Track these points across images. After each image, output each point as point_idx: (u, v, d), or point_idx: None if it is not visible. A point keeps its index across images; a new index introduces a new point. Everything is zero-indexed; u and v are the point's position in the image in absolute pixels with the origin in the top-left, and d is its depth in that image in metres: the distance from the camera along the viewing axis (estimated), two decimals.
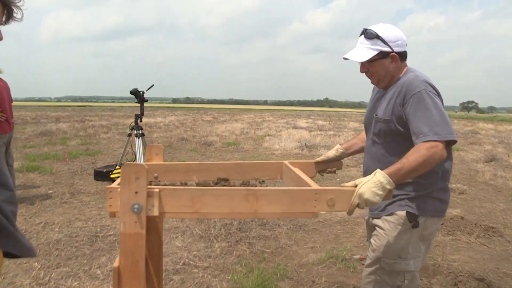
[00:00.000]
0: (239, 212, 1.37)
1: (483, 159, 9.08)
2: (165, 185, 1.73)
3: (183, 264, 3.14)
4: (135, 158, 6.00)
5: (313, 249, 3.59)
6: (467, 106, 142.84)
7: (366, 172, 1.94)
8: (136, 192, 1.28)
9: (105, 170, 6.15)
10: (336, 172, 2.13)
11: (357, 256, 3.38)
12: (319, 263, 3.26)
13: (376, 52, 1.73)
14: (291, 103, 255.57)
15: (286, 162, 1.96)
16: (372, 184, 1.45)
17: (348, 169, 7.36)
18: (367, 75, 1.84)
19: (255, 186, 1.77)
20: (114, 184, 1.40)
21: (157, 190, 1.31)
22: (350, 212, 1.45)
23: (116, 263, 1.32)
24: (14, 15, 1.29)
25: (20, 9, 1.29)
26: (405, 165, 1.52)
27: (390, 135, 1.76)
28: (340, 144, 2.11)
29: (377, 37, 1.72)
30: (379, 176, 1.47)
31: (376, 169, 1.79)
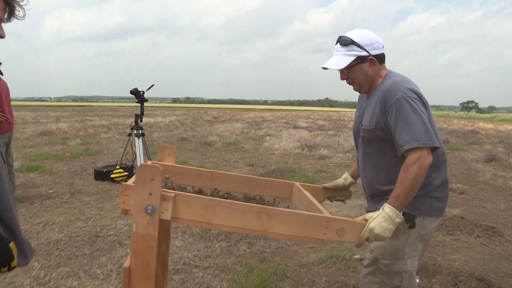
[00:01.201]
0: (249, 229, 1.38)
1: (483, 159, 9.07)
2: (173, 188, 1.75)
3: (183, 264, 3.14)
4: (135, 158, 6.00)
5: (313, 249, 3.59)
6: (467, 106, 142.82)
7: (363, 182, 1.94)
8: (150, 194, 1.28)
9: (105, 170, 6.15)
10: (345, 202, 2.13)
11: (357, 256, 3.38)
12: (319, 263, 3.26)
13: (353, 58, 1.73)
14: (291, 103, 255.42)
15: (297, 183, 1.98)
16: (382, 219, 1.48)
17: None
18: (348, 82, 1.83)
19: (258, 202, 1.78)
20: (130, 182, 1.40)
21: (173, 194, 1.31)
22: (359, 245, 1.47)
23: (127, 263, 1.32)
24: (16, 13, 1.28)
25: (22, 8, 1.29)
26: (401, 191, 1.54)
27: (378, 143, 1.77)
28: (347, 172, 2.10)
29: (352, 42, 1.73)
30: (388, 210, 1.50)
31: (370, 179, 1.80)
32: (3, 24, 1.30)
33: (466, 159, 9.40)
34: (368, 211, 1.91)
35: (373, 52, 1.74)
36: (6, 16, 1.28)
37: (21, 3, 1.30)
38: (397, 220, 1.50)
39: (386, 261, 1.76)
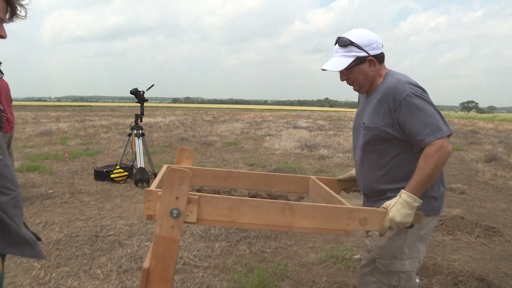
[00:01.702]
0: (274, 225, 1.40)
1: (483, 159, 9.07)
2: (196, 190, 1.77)
3: (184, 264, 3.14)
4: (135, 158, 6.01)
5: (313, 249, 3.59)
6: (467, 106, 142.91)
7: (359, 182, 1.93)
8: (177, 198, 1.29)
9: (105, 170, 6.15)
10: (361, 192, 2.14)
11: (357, 256, 3.38)
12: (319, 263, 3.26)
13: (352, 59, 1.73)
14: (291, 103, 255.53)
15: (313, 177, 2.00)
16: (400, 205, 1.51)
17: (349, 169, 7.35)
18: (348, 83, 1.83)
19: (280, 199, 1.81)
20: (153, 187, 1.41)
21: (197, 197, 1.32)
22: (382, 234, 1.51)
23: (146, 264, 1.33)
24: (18, 12, 1.30)
25: (24, 7, 1.31)
26: (421, 177, 1.56)
27: (379, 142, 1.76)
28: None
29: (351, 43, 1.72)
30: (405, 197, 1.53)
31: (368, 179, 1.81)
32: (4, 24, 1.31)
33: (466, 159, 9.40)
34: None
35: (372, 52, 1.73)
36: (7, 16, 1.30)
37: (23, 3, 1.31)
38: (415, 204, 1.53)
39: (384, 261, 1.75)
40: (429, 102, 1.65)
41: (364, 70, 1.75)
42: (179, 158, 1.98)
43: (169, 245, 1.30)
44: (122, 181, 5.98)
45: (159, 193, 1.30)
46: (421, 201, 1.55)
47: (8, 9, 1.29)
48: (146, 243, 3.54)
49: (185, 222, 1.32)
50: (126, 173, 6.00)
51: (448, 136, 1.62)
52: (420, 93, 1.65)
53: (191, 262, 3.18)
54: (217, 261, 3.23)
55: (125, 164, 6.24)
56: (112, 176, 5.97)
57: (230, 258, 3.28)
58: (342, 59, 1.74)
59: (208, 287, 2.80)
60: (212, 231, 3.83)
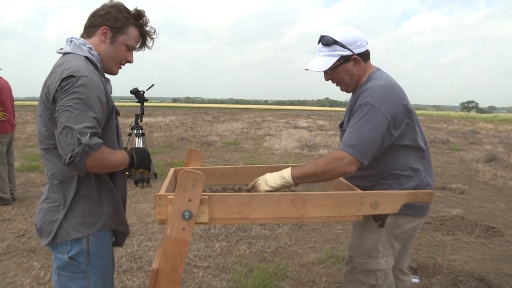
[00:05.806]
0: (286, 217, 1.40)
1: (483, 159, 9.07)
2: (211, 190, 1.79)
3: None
4: None
5: (313, 249, 3.59)
6: (468, 106, 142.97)
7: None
8: (190, 200, 1.29)
9: None
10: None
11: None
12: (319, 262, 3.26)
13: (336, 58, 1.67)
14: (292, 103, 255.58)
15: None
16: (278, 175, 1.62)
17: None
18: (333, 82, 1.78)
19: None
20: (162, 191, 1.41)
21: (207, 197, 1.32)
22: (250, 188, 1.62)
23: (155, 265, 1.33)
24: (147, 43, 1.51)
25: (153, 40, 1.51)
26: (309, 170, 1.58)
27: None
28: None
29: (335, 42, 1.66)
30: (286, 172, 1.61)
31: (353, 179, 1.78)
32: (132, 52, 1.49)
33: (466, 159, 9.40)
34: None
35: (357, 51, 1.68)
36: (138, 45, 1.49)
37: (153, 36, 1.50)
38: (282, 181, 1.59)
39: (359, 259, 1.75)
40: (372, 122, 1.56)
41: (349, 69, 1.70)
42: (188, 159, 1.98)
43: (179, 247, 1.31)
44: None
45: (170, 196, 1.30)
46: (289, 181, 1.58)
47: (140, 39, 1.47)
48: (146, 243, 3.54)
49: (197, 223, 1.32)
50: (126, 173, 5.98)
51: (359, 162, 1.55)
52: (376, 110, 1.57)
53: (191, 262, 3.18)
54: (217, 261, 3.23)
55: None
56: None
57: (230, 258, 3.28)
58: (326, 59, 1.69)
59: (208, 287, 2.80)
60: (212, 231, 3.83)
